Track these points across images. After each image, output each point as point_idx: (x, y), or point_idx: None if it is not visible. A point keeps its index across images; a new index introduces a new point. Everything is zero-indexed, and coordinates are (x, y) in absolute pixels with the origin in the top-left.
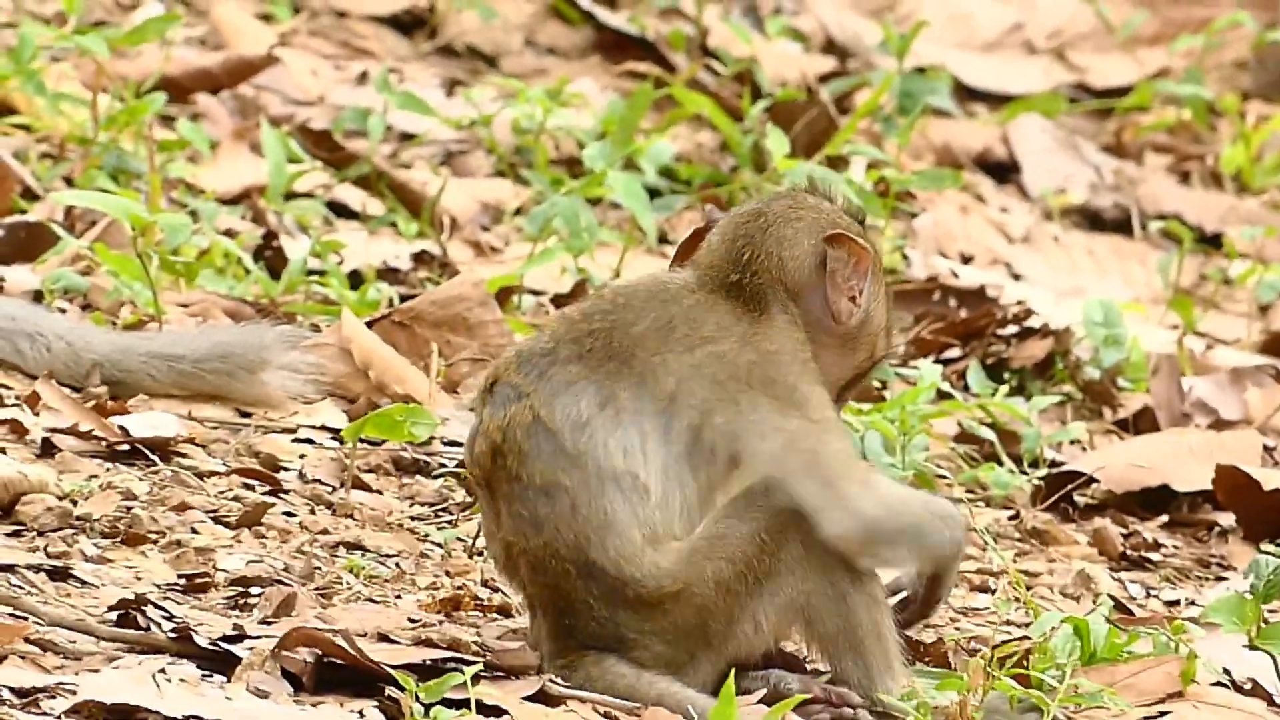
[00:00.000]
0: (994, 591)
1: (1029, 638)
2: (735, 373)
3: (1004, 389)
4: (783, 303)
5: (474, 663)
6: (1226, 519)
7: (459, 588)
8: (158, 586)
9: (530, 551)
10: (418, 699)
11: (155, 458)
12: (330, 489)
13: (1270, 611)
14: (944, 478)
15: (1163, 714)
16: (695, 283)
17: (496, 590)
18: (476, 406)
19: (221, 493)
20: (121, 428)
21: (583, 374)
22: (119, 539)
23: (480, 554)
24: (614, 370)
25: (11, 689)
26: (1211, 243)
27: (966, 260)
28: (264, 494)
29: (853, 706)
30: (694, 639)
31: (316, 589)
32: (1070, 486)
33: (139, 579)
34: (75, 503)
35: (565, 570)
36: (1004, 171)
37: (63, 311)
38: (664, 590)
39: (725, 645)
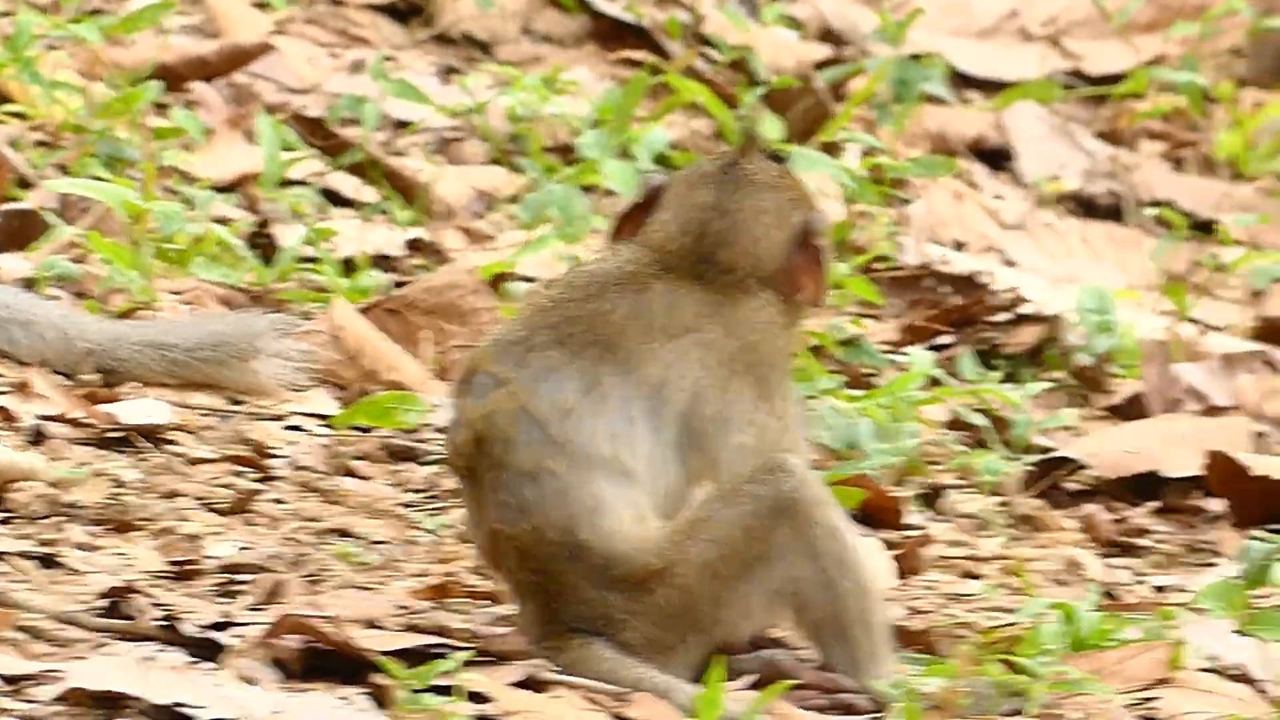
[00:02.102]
0: (983, 578)
1: (1017, 624)
2: (722, 358)
3: (996, 375)
4: (756, 288)
5: (463, 649)
6: (1217, 505)
7: (448, 574)
8: (146, 574)
9: (517, 537)
10: (406, 685)
11: (146, 445)
12: (320, 476)
13: (1259, 597)
14: (935, 464)
15: (1150, 700)
16: (659, 268)
17: (485, 577)
18: (455, 397)
19: (211, 480)
20: (111, 415)
21: (563, 360)
22: (108, 526)
23: (469, 541)
24: (597, 356)
25: (0, 676)
26: (1205, 229)
27: (959, 247)
28: (254, 481)
29: (848, 692)
30: (682, 621)
31: (305, 576)
32: (1060, 472)
33: (128, 566)
34: (65, 490)
35: (553, 554)
36: (998, 158)
37: (56, 299)
38: (650, 568)
39: (712, 628)
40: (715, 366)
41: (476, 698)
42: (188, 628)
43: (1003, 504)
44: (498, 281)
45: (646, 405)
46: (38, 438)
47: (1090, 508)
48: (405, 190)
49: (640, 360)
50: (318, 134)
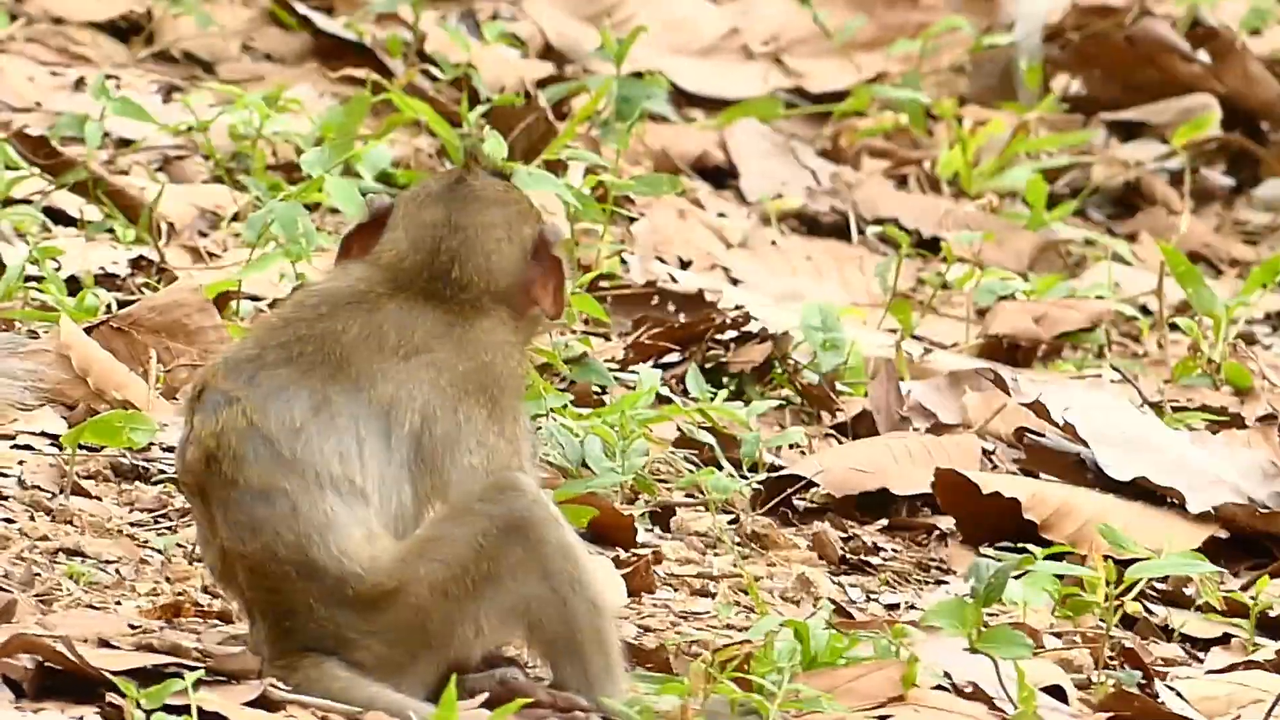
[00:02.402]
0: (715, 595)
1: (750, 641)
2: (454, 379)
3: (723, 393)
4: (490, 305)
5: (195, 668)
6: (946, 522)
7: (179, 594)
8: None
9: (248, 556)
10: (139, 705)
11: None
12: (50, 495)
13: (990, 615)
14: (664, 482)
15: (884, 718)
16: (392, 287)
17: (217, 596)
18: (185, 415)
19: None
20: None
21: (293, 378)
22: None
23: (200, 560)
24: (327, 376)
25: None
26: (929, 247)
27: (685, 265)
28: None
29: (583, 710)
30: (413, 640)
31: (36, 595)
32: (790, 490)
33: None
34: None
35: (285, 572)
36: (722, 176)
37: None
38: (381, 588)
39: (446, 647)
40: (446, 387)
41: (210, 717)
42: None
43: (733, 522)
44: (223, 300)
45: (377, 425)
46: None
47: (820, 525)
48: (129, 209)
49: (371, 380)
50: (40, 153)
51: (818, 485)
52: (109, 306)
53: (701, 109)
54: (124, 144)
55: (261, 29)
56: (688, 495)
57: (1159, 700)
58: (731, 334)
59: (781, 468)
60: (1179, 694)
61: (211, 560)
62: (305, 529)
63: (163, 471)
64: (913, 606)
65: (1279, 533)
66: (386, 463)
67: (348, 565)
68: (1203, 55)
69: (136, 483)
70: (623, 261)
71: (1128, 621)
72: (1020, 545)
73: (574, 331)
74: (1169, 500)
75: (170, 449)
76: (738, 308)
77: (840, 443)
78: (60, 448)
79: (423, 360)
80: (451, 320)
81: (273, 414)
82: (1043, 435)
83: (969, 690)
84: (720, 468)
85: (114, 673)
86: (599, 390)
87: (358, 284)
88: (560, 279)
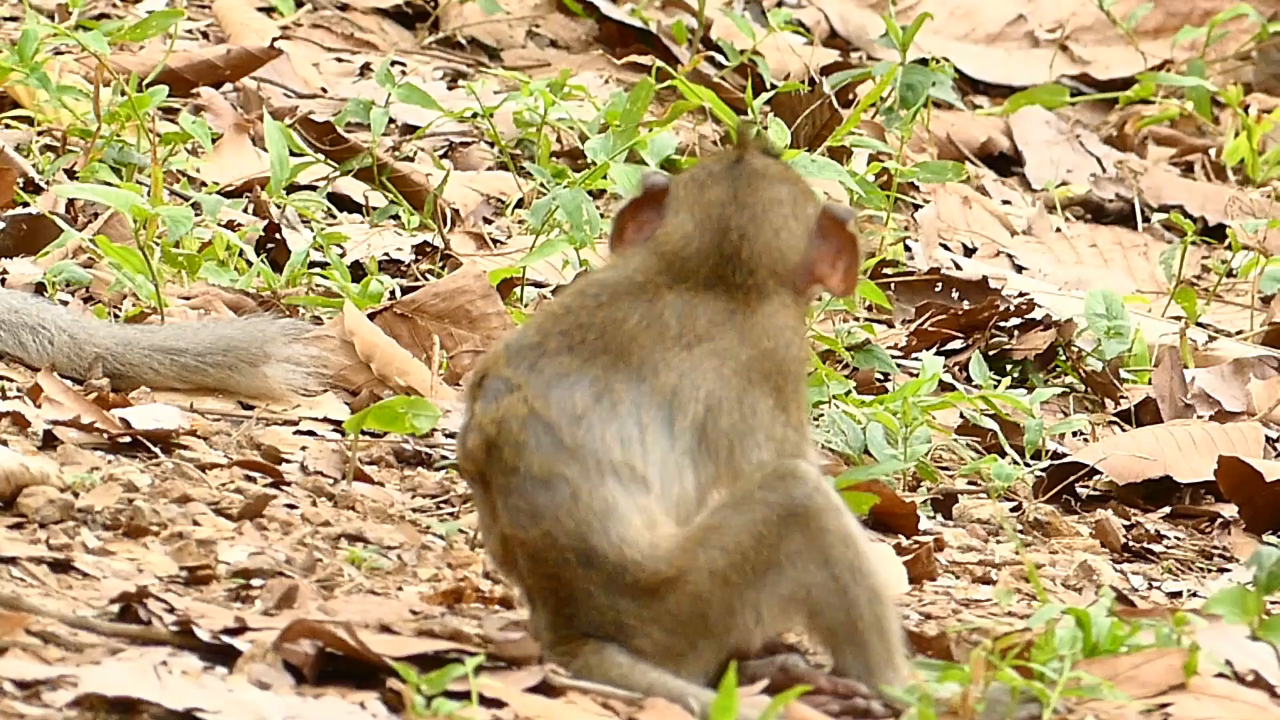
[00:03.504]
0: (996, 583)
1: (1030, 629)
2: (737, 368)
3: (1006, 380)
4: (774, 288)
5: (476, 654)
6: (1229, 510)
7: (461, 579)
8: (159, 579)
9: (529, 542)
10: (419, 690)
11: (157, 450)
12: (332, 481)
13: (1272, 603)
14: (946, 469)
15: (1164, 706)
16: (671, 276)
17: (498, 582)
18: (466, 402)
19: (223, 485)
20: (123, 420)
21: (575, 366)
22: (120, 531)
23: (481, 546)
24: (609, 364)
25: (13, 681)
26: (1214, 234)
27: (969, 252)
28: (265, 486)
29: (864, 697)
30: (693, 627)
31: (318, 581)
32: (1072, 478)
33: (140, 571)
34: (77, 495)
35: (565, 559)
36: (1006, 164)
37: (65, 304)
38: (660, 575)
39: (725, 634)
40: (730, 376)
41: (490, 703)
42: (201, 633)
43: (1015, 509)
44: (506, 286)
45: (659, 413)
46: (49, 443)
47: (1102, 513)
48: (413, 195)
49: (654, 369)
50: (325, 139)
51: (1100, 473)
52: (393, 293)
53: (986, 96)
54: (409, 130)
55: (547, 15)
56: (970, 482)
57: None
58: (1015, 321)
59: (1064, 455)
60: None
61: (493, 547)
62: (585, 516)
63: (445, 457)
64: (1195, 594)
65: None
66: (669, 450)
67: (628, 552)
68: None
69: (419, 468)
70: (906, 249)
71: None
72: None
73: (857, 318)
74: None
75: (452, 435)
76: (1021, 295)
77: (1123, 430)
78: (343, 434)
79: (706, 349)
80: (733, 307)
81: (554, 401)
82: None
83: (1250, 679)
84: (1003, 455)
85: (395, 658)
86: (882, 377)
87: (637, 274)
88: (854, 256)
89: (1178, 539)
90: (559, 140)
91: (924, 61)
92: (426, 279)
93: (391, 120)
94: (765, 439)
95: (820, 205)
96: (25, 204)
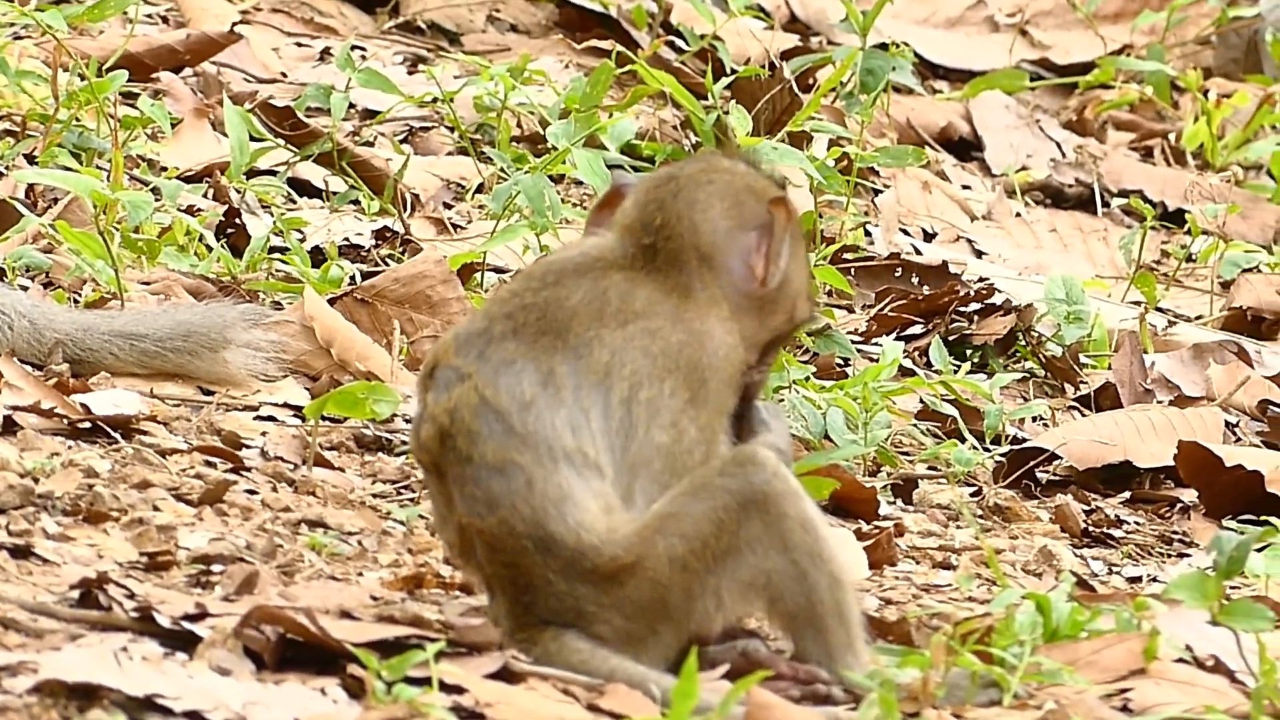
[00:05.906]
0: (956, 568)
1: (991, 614)
2: (666, 349)
3: (966, 366)
4: (699, 273)
5: (436, 640)
6: (1189, 495)
7: (421, 565)
8: (119, 564)
9: (486, 531)
10: (380, 676)
11: (117, 435)
12: (292, 466)
13: (1232, 588)
14: (906, 455)
15: (1124, 691)
16: (620, 254)
17: (458, 568)
18: (419, 392)
19: (183, 470)
20: (83, 405)
21: (519, 351)
22: (80, 517)
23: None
24: (549, 345)
25: None
26: (1174, 220)
27: (929, 237)
28: (226, 472)
29: (824, 683)
30: (653, 613)
31: (278, 567)
32: (1032, 463)
33: (100, 557)
34: (37, 480)
35: (522, 546)
36: (966, 148)
37: (24, 289)
38: (619, 561)
39: (685, 620)
40: (658, 355)
41: (451, 689)
42: (162, 619)
43: (975, 494)
44: (467, 272)
45: (596, 395)
46: (8, 428)
47: (1062, 498)
48: (373, 180)
49: (588, 345)
50: (285, 124)
51: (1060, 458)
52: (353, 278)
53: (946, 81)
54: (369, 115)
55: (507, 0)
56: (930, 468)
57: None
58: (975, 306)
59: (1024, 440)
60: None
61: (449, 537)
62: (541, 502)
63: (405, 443)
64: (1155, 579)
65: None
66: (605, 429)
67: (585, 538)
68: None
69: (379, 454)
70: (866, 234)
71: None
72: (1263, 518)
73: (817, 304)
74: None
75: (411, 421)
76: (981, 280)
77: (1083, 415)
78: (303, 419)
79: (639, 326)
80: (668, 289)
81: (503, 388)
82: None
83: (1210, 664)
84: (963, 440)
85: (355, 644)
86: (842, 362)
87: (588, 252)
88: (771, 238)
89: (1137, 524)
90: (519, 125)
91: (884, 46)
92: (387, 264)
93: (352, 105)
94: (670, 424)
95: (767, 198)
96: None
